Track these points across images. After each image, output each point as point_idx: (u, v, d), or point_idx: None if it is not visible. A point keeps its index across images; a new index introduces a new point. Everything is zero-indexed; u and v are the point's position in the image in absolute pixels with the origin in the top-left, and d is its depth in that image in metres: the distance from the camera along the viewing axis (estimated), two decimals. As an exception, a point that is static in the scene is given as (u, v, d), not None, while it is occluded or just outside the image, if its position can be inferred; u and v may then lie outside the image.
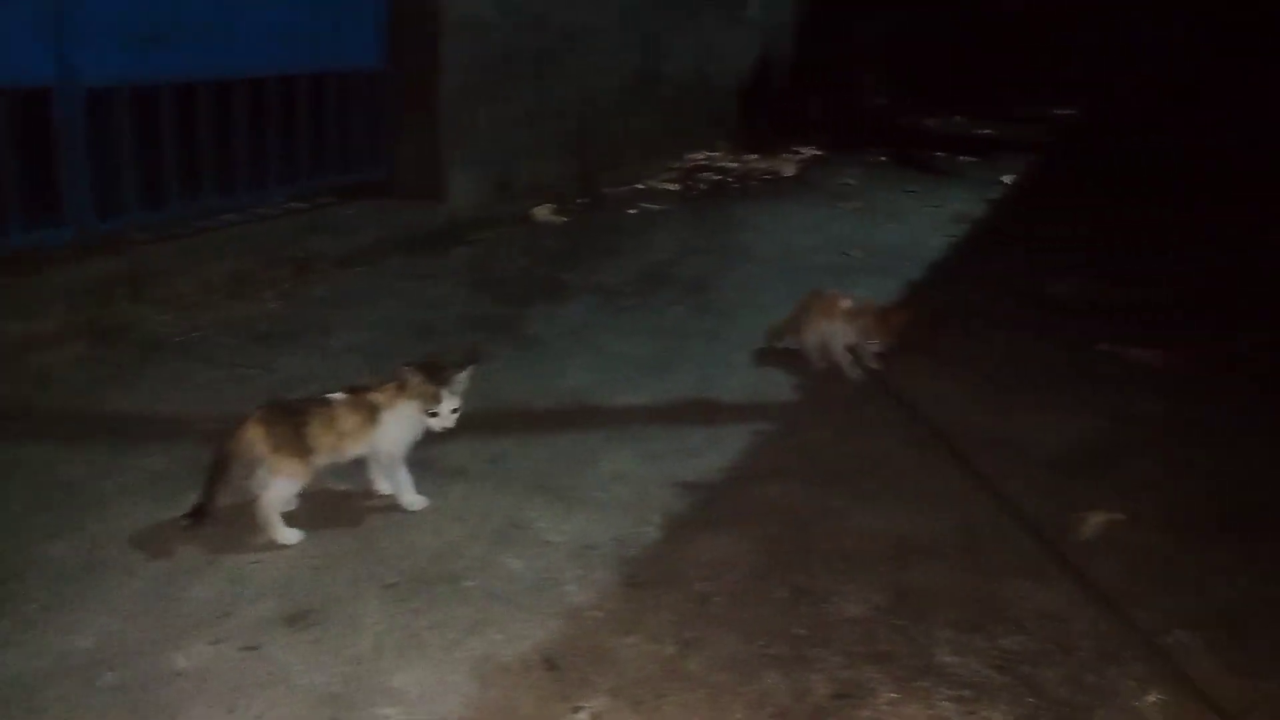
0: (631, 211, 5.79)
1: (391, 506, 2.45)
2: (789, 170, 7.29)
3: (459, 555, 2.28)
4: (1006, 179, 7.26)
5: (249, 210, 4.44)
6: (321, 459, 2.31)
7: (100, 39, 3.62)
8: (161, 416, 2.93)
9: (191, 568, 2.20)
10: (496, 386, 3.19)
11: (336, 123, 4.65)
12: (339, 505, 2.46)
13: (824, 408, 3.20)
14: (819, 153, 7.97)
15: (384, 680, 1.88)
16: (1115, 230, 5.73)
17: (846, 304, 3.38)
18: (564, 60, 5.63)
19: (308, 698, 1.83)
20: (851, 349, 3.34)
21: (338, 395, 2.35)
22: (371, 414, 2.34)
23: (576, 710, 1.82)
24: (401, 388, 2.34)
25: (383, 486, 2.47)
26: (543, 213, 5.44)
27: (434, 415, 2.34)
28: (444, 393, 2.34)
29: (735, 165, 7.32)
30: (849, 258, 5.02)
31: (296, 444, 2.26)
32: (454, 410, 2.36)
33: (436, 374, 2.34)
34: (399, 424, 2.36)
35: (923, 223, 5.83)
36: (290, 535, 2.30)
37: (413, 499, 2.44)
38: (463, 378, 2.37)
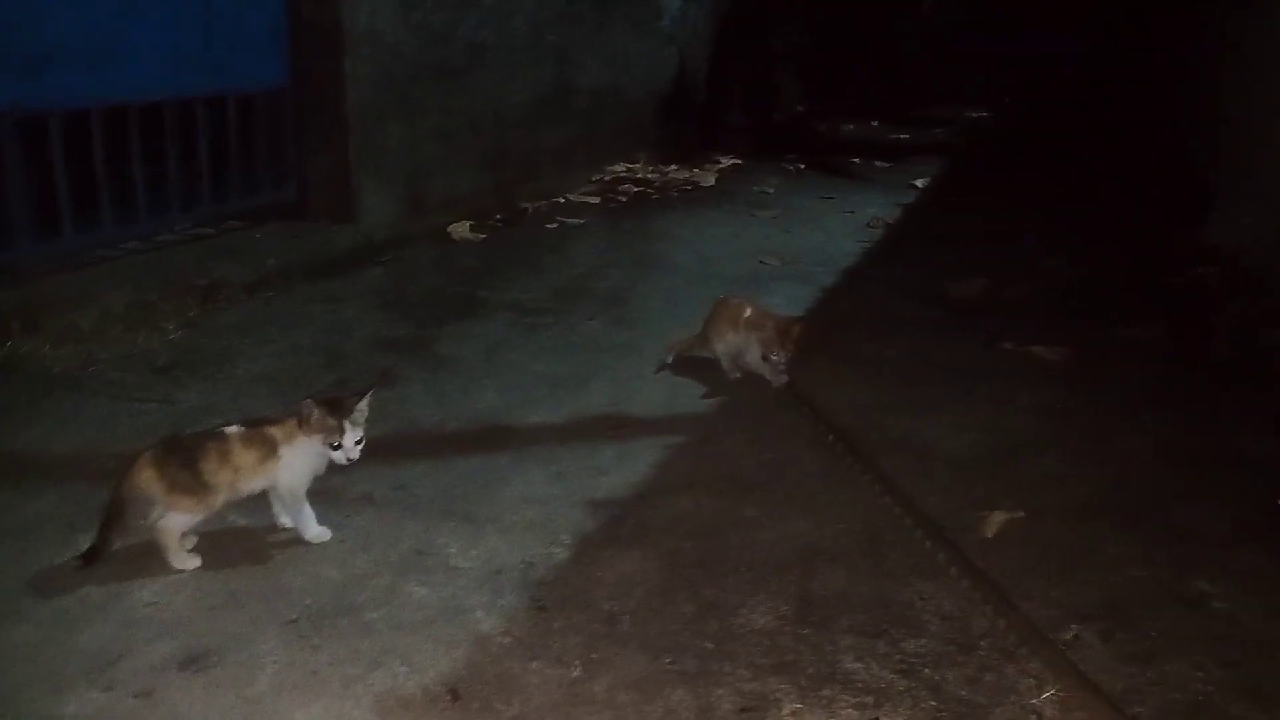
0: (550, 226, 5.78)
1: (295, 540, 2.40)
2: (708, 180, 7.35)
3: (363, 586, 2.24)
4: (919, 182, 7.41)
5: (151, 238, 4.33)
6: (219, 496, 2.26)
7: (-20, 65, 3.50)
8: (56, 454, 2.83)
9: (84, 612, 2.13)
10: (405, 410, 3.17)
11: (240, 144, 4.55)
12: (240, 541, 2.40)
13: (736, 417, 3.23)
14: (738, 161, 8.05)
15: (282, 720, 1.84)
16: (1019, 228, 5.89)
17: (748, 313, 3.41)
18: (473, 75, 5.61)
19: (202, 743, 1.79)
20: (765, 357, 3.36)
21: (234, 429, 2.30)
22: (270, 449, 2.29)
23: (479, 740, 1.80)
24: (302, 422, 2.30)
25: (284, 521, 2.42)
26: (459, 229, 5.40)
27: (337, 449, 2.31)
28: (346, 425, 2.30)
29: (655, 176, 7.35)
30: (765, 265, 5.08)
31: (192, 482, 2.21)
32: (358, 442, 2.33)
33: (336, 407, 2.31)
34: (299, 459, 2.32)
35: (838, 228, 5.92)
36: (188, 562, 2.27)
37: (316, 533, 2.40)
38: (363, 407, 2.35)
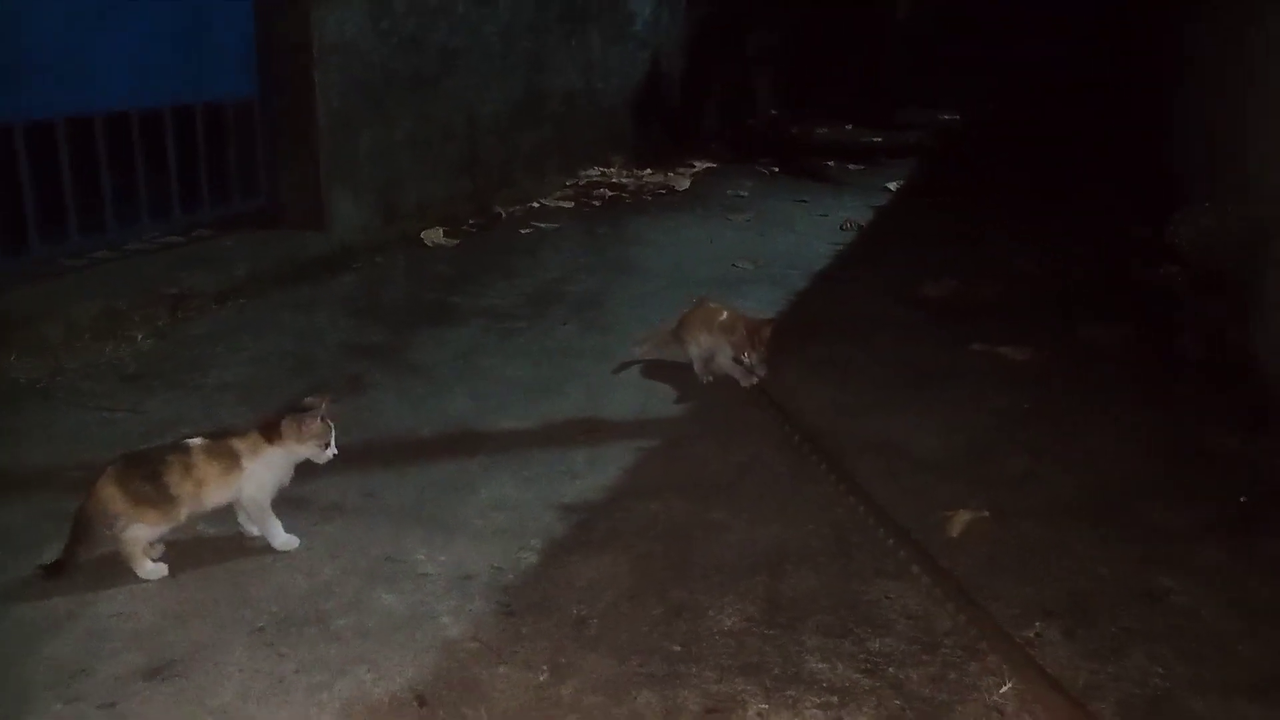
0: (525, 231, 5.79)
1: (263, 549, 2.40)
2: (683, 184, 7.37)
3: (331, 594, 2.24)
4: (892, 185, 7.47)
5: (120, 247, 4.31)
6: (183, 508, 2.25)
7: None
8: (23, 465, 2.81)
9: (50, 623, 2.12)
10: (376, 417, 3.17)
11: (209, 153, 4.54)
12: (208, 550, 2.39)
13: (707, 421, 3.25)
14: (713, 165, 8.08)
15: (247, 729, 1.84)
16: (991, 229, 5.95)
17: (723, 317, 3.43)
18: (446, 81, 5.61)
19: (167, 754, 1.78)
20: (736, 359, 3.39)
21: (197, 442, 2.29)
22: (234, 462, 2.29)
23: (446, 745, 1.81)
24: (286, 433, 2.31)
25: (251, 530, 2.42)
26: (433, 235, 5.40)
27: (327, 448, 2.37)
28: (331, 427, 2.35)
29: (629, 180, 7.37)
30: (739, 269, 5.10)
31: (155, 495, 2.21)
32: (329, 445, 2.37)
33: (313, 413, 2.34)
34: (264, 471, 2.32)
35: (811, 231, 5.96)
36: (154, 571, 2.27)
37: (284, 540, 2.40)
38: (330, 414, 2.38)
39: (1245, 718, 1.91)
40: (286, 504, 2.47)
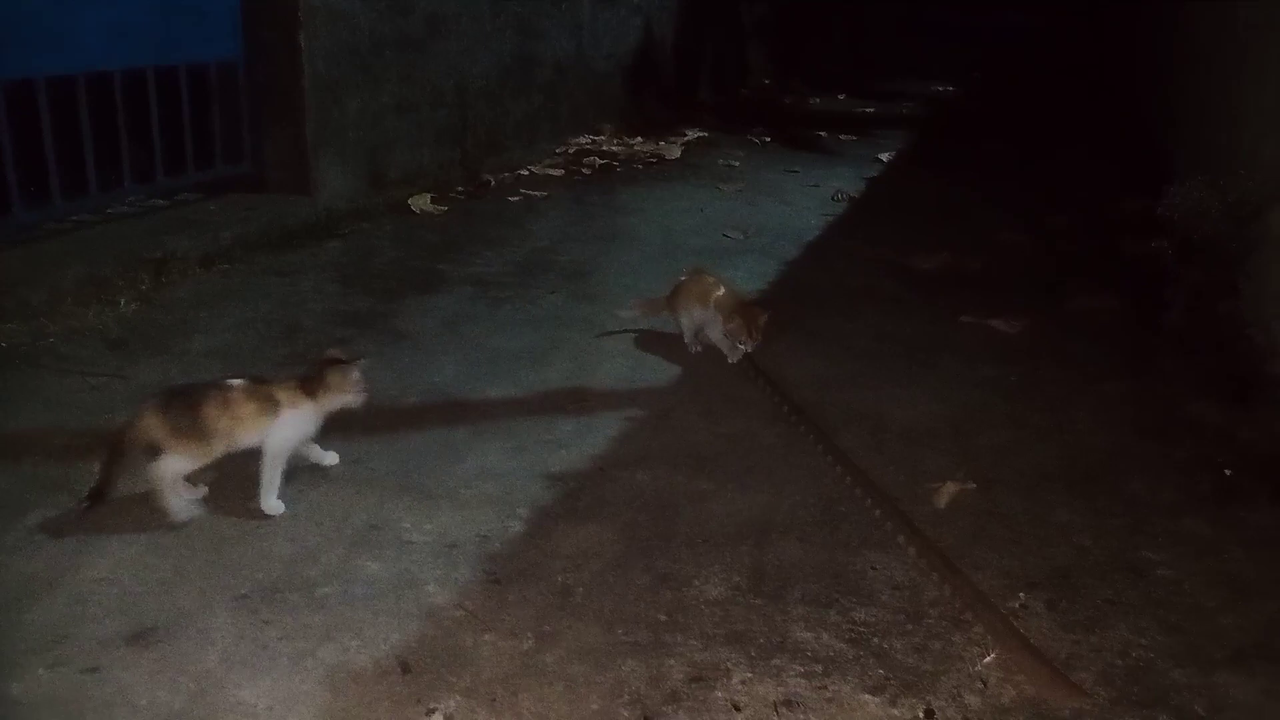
0: (513, 198, 5.74)
1: (248, 516, 2.39)
2: (674, 153, 7.32)
3: (315, 561, 2.23)
4: (884, 156, 7.43)
5: (103, 211, 4.25)
6: (218, 444, 2.29)
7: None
8: (5, 431, 2.79)
9: (33, 589, 2.10)
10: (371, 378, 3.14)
11: (194, 117, 4.47)
12: (191, 516, 2.38)
13: (695, 391, 3.24)
14: (704, 134, 8.02)
15: (231, 695, 1.83)
16: (982, 201, 5.94)
17: (720, 293, 3.40)
18: (434, 47, 5.54)
19: (150, 717, 1.78)
20: (731, 340, 3.35)
21: (238, 382, 2.33)
22: (271, 406, 2.34)
23: (430, 712, 1.81)
24: (326, 385, 2.37)
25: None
26: (420, 202, 5.35)
27: (361, 395, 2.45)
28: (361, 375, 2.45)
29: (620, 149, 7.32)
30: (729, 239, 5.08)
31: (194, 428, 2.25)
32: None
33: (349, 364, 2.44)
34: (295, 422, 2.37)
35: (803, 202, 5.93)
36: (184, 509, 2.33)
37: (273, 505, 2.40)
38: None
39: (1224, 688, 1.92)
40: (271, 471, 2.49)
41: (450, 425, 2.90)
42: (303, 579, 2.17)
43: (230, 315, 3.66)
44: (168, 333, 3.46)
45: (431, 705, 1.82)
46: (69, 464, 2.57)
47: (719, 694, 1.88)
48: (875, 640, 2.04)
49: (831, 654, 2.00)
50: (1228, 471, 2.74)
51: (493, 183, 5.98)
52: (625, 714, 1.82)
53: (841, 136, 8.25)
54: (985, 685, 1.93)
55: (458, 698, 1.84)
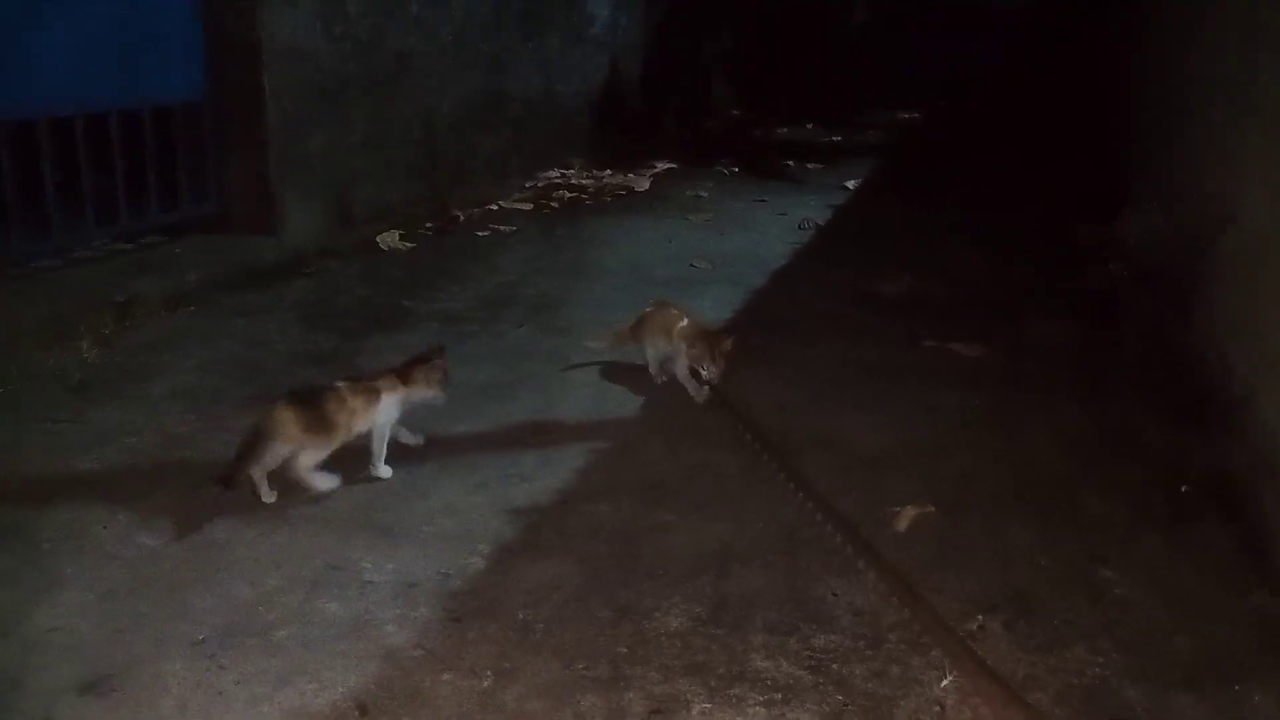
0: (482, 233, 5.76)
1: (206, 559, 2.37)
2: (642, 185, 7.38)
3: (274, 604, 2.22)
4: (850, 184, 7.52)
5: (65, 253, 4.24)
6: (339, 435, 2.64)
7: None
8: (-40, 479, 2.76)
9: (-17, 640, 2.08)
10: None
11: (157, 157, 4.47)
12: (150, 563, 2.36)
13: (659, 421, 3.25)
14: (673, 166, 8.10)
15: (184, 743, 1.81)
16: (945, 226, 6.02)
17: (683, 324, 3.41)
18: (401, 84, 5.58)
19: (101, 769, 1.76)
20: (694, 372, 3.35)
21: (344, 383, 2.71)
22: (374, 396, 2.73)
23: (386, 754, 1.79)
24: (413, 379, 2.79)
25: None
26: (388, 239, 5.36)
27: (445, 392, 2.87)
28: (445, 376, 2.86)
29: (589, 182, 7.37)
30: (697, 269, 5.11)
31: (321, 422, 2.60)
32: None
33: (439, 364, 2.85)
34: (393, 405, 2.77)
35: (770, 231, 5.99)
36: (328, 481, 2.67)
37: (383, 470, 2.79)
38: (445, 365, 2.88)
39: (1177, 705, 1.94)
40: (232, 511, 2.48)
41: (413, 462, 2.89)
42: (261, 622, 2.15)
43: (193, 357, 3.64)
44: (129, 376, 3.45)
45: (387, 747, 1.80)
46: (23, 509, 2.54)
47: (678, 726, 1.88)
48: (835, 667, 2.05)
49: (791, 682, 2.00)
50: (1184, 489, 2.78)
51: (462, 218, 6.00)
52: (583, 750, 1.81)
53: (809, 165, 8.34)
54: (943, 709, 1.93)
55: (414, 738, 1.83)
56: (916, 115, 11.76)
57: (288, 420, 2.55)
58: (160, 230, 4.64)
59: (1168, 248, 3.61)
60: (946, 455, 3.01)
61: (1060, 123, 9.28)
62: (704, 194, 7.09)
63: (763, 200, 6.90)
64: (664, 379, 3.52)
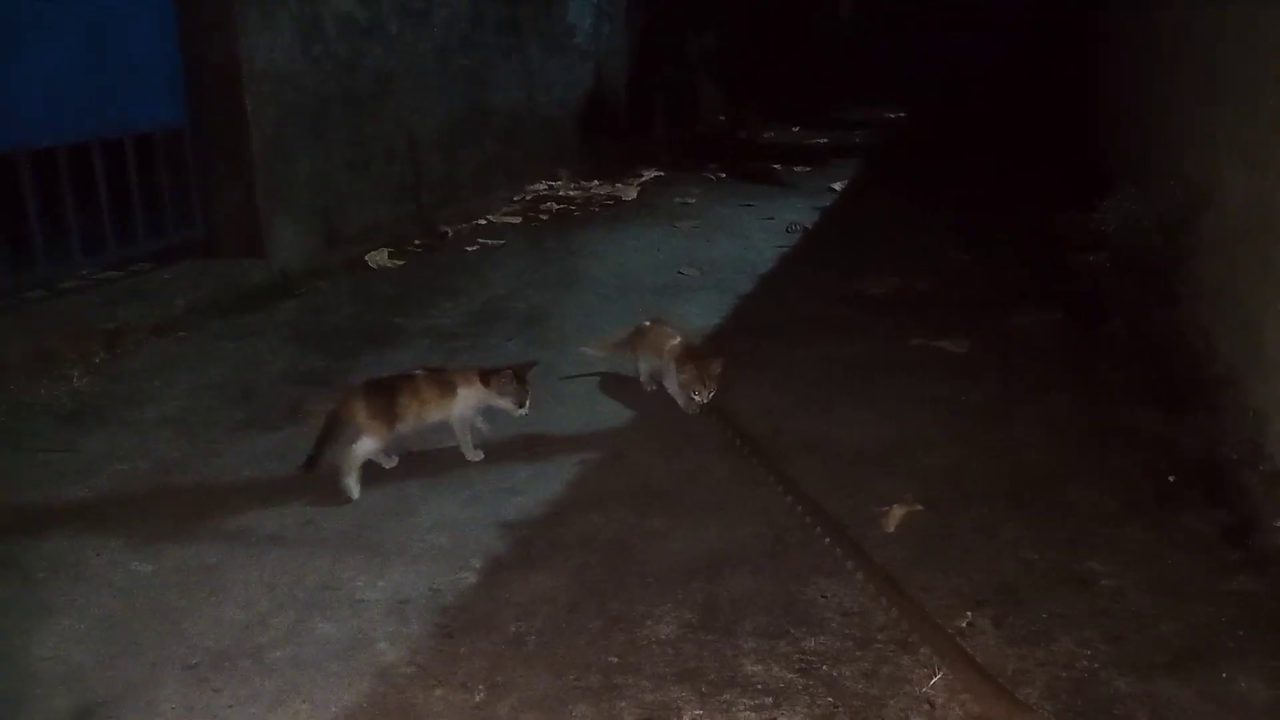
0: (471, 248, 5.78)
1: (199, 584, 2.38)
2: (630, 194, 7.41)
3: (267, 626, 2.23)
4: (837, 185, 7.56)
5: (53, 284, 4.25)
6: (407, 423, 2.83)
7: None
8: (-45, 512, 2.77)
9: (-22, 672, 2.09)
10: (316, 444, 3.15)
11: (142, 185, 4.49)
12: (143, 589, 2.37)
13: (649, 429, 3.26)
14: (661, 173, 8.13)
15: (180, 768, 1.82)
16: (929, 224, 6.05)
17: (674, 343, 3.42)
18: (383, 102, 5.60)
19: (97, 797, 1.77)
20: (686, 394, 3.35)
21: (420, 372, 2.91)
22: (450, 388, 2.90)
23: (380, 771, 1.81)
24: (485, 375, 2.94)
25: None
26: (377, 258, 5.38)
27: (521, 405, 2.99)
28: (528, 388, 3.00)
29: (577, 193, 7.40)
30: (685, 276, 5.14)
31: (386, 412, 2.77)
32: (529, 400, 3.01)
33: (521, 375, 3.00)
34: (472, 399, 2.94)
35: (757, 235, 6.02)
36: (354, 489, 2.76)
37: (474, 455, 2.99)
38: (529, 376, 3.03)
39: (1164, 693, 1.96)
40: (220, 537, 2.49)
41: (404, 479, 2.91)
42: (254, 645, 2.16)
43: (184, 382, 3.66)
44: (120, 403, 3.46)
45: (381, 764, 1.82)
46: (16, 539, 2.56)
47: (669, 733, 1.89)
48: (825, 669, 2.06)
49: (782, 685, 2.02)
50: (1171, 478, 2.79)
51: (450, 234, 6.02)
52: (576, 760, 1.82)
53: (796, 168, 8.37)
54: (933, 706, 1.95)
55: (407, 754, 1.84)
56: (904, 114, 11.80)
57: (358, 407, 2.75)
58: (148, 257, 4.66)
59: (1146, 233, 3.64)
60: (934, 451, 3.03)
61: (1049, 120, 9.32)
62: (691, 200, 7.12)
63: (750, 205, 6.93)
64: (654, 388, 3.54)
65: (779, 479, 2.83)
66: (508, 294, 4.85)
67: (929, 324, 4.12)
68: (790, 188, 7.62)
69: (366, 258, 5.34)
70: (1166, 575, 2.34)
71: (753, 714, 1.94)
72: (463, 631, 2.20)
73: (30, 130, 4.00)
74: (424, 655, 2.12)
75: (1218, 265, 3.10)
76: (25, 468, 3.01)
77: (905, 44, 13.89)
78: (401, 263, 5.41)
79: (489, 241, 5.92)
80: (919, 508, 2.66)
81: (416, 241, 5.78)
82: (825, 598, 2.30)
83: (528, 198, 7.13)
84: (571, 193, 7.38)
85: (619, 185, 7.62)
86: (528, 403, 3.00)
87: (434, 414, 2.90)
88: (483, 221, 6.39)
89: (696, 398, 3.29)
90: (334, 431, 2.76)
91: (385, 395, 2.79)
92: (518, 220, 6.54)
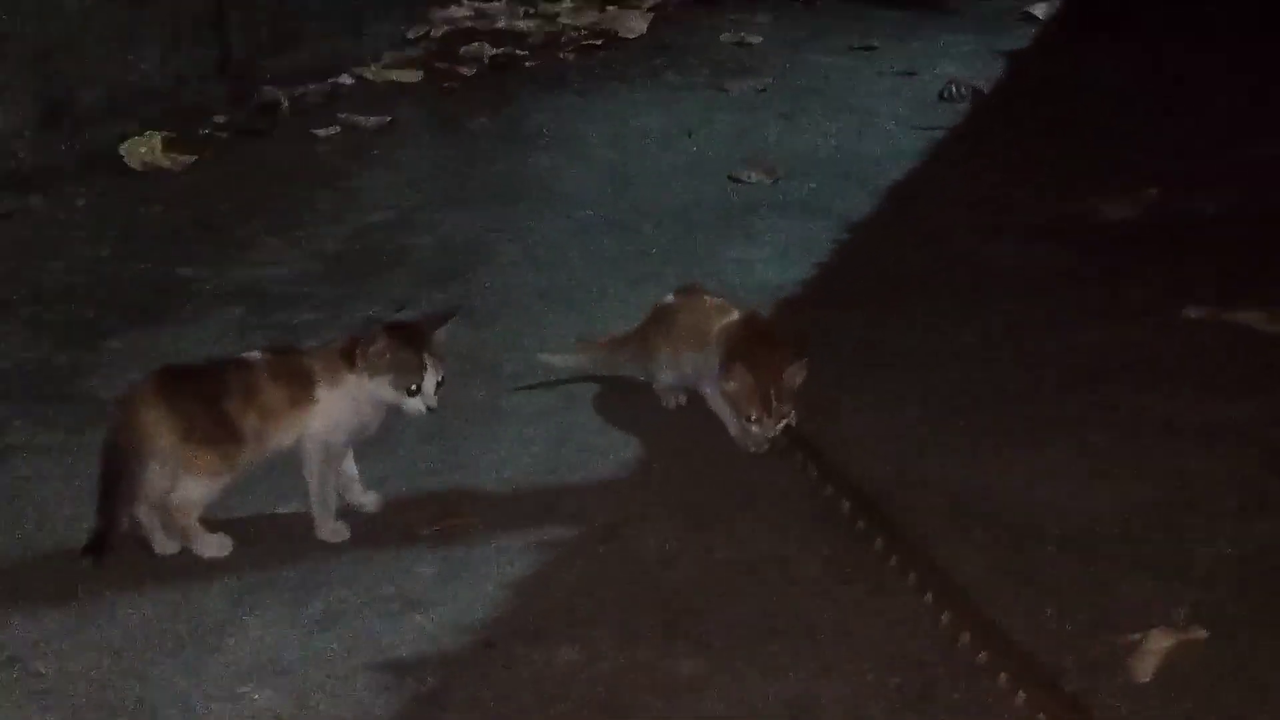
0: (324, 131, 5.85)
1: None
2: (637, 25, 7.46)
3: None
4: (1040, 9, 7.58)
5: None
6: (248, 450, 2.91)
7: None
8: None
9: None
10: (26, 511, 3.17)
11: None
12: None
13: (671, 479, 3.33)
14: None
15: None
16: (1216, 92, 6.07)
17: (723, 325, 3.49)
18: None
19: None
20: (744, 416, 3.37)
21: (256, 355, 2.99)
22: (305, 385, 2.97)
23: None
24: (358, 354, 2.95)
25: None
26: (144, 150, 5.42)
27: (414, 393, 2.97)
28: (426, 360, 2.97)
29: (534, 23, 7.46)
30: (742, 185, 5.19)
31: (214, 428, 2.84)
32: (439, 384, 3.00)
33: (412, 336, 2.99)
34: (339, 405, 2.99)
35: (883, 108, 6.12)
36: (219, 547, 2.93)
37: (334, 526, 3.04)
38: (442, 336, 3.04)
39: None
40: None
41: (206, 581, 2.91)
42: None
43: None
44: None
45: None
46: None
47: None
48: None
49: None
50: None
51: (286, 104, 6.08)
52: None
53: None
54: None
55: None
56: None
57: (156, 420, 2.81)
58: None
59: None
60: (1225, 528, 3.04)
61: None
62: (754, 39, 7.17)
63: (869, 47, 6.99)
64: (678, 402, 3.57)
65: (923, 577, 2.84)
66: (396, 220, 4.93)
67: (1216, 279, 4.13)
68: (948, 13, 7.65)
69: (123, 149, 5.40)
70: None
71: None
72: None
73: None
74: None
75: None
76: None
77: None
78: (190, 158, 5.48)
79: (360, 118, 5.98)
80: (1200, 635, 2.67)
81: (218, 119, 5.84)
82: None
83: (435, 34, 7.18)
84: (523, 23, 7.42)
85: (613, 9, 7.65)
86: (430, 387, 3.00)
87: (283, 433, 2.98)
88: (348, 80, 6.45)
89: (756, 426, 3.31)
90: (123, 477, 2.80)
91: (203, 398, 2.85)
92: (416, 77, 6.63)
